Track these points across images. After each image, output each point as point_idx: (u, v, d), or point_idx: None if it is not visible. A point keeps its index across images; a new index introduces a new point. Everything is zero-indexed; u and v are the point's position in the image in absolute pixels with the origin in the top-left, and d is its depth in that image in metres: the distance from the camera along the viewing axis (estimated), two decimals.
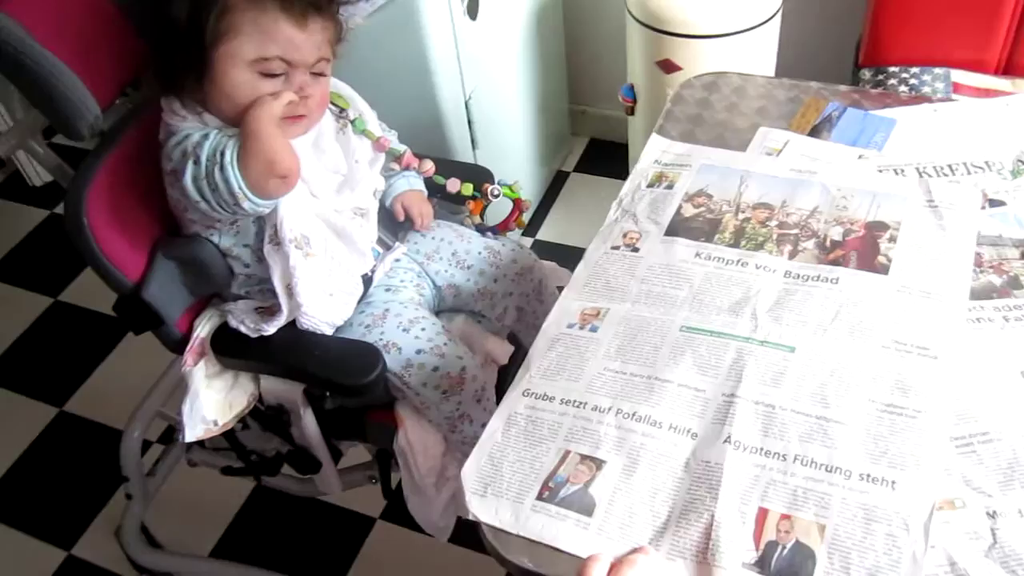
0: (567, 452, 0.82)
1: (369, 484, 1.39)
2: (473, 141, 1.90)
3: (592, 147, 2.54)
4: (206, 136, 1.04)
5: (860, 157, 1.10)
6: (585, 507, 0.78)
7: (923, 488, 0.74)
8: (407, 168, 1.28)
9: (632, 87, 1.97)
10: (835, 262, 0.96)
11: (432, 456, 1.17)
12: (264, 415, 1.24)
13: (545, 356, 0.92)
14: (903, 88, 1.63)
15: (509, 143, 2.11)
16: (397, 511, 1.72)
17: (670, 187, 1.09)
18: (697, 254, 1.00)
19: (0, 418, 2.08)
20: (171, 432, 1.75)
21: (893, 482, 0.75)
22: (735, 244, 1.00)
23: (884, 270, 0.94)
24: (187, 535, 1.78)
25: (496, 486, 0.81)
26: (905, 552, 0.70)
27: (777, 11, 1.79)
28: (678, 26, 1.75)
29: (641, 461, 0.80)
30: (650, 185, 1.11)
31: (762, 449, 0.79)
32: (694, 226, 1.03)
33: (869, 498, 0.74)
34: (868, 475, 0.76)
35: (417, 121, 1.77)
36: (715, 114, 1.22)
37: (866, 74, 1.71)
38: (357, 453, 1.42)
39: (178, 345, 1.19)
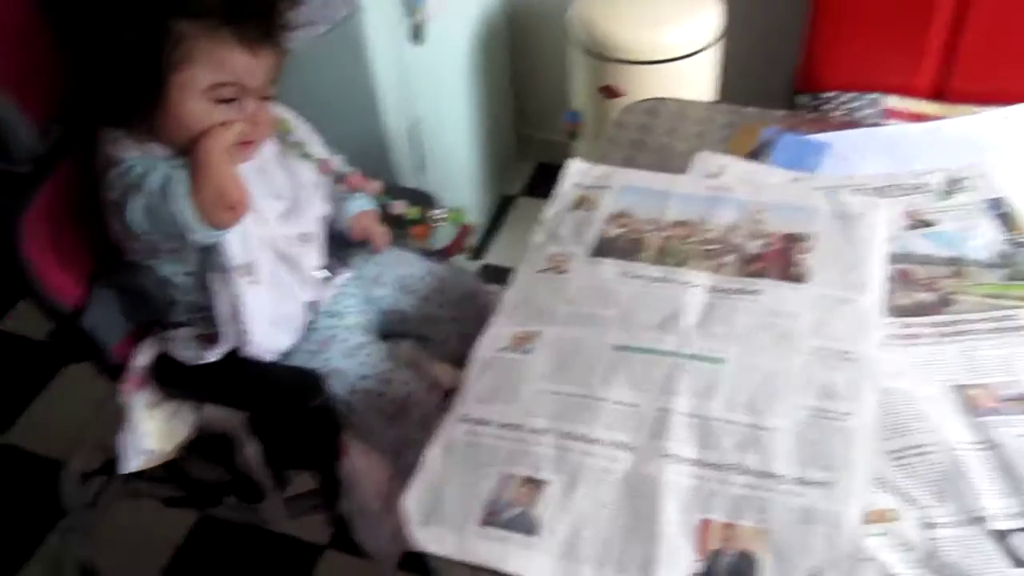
0: (508, 475, 0.83)
1: (316, 513, 1.37)
2: (419, 166, 1.91)
3: (539, 171, 2.55)
4: (152, 167, 1.03)
5: (796, 180, 1.12)
6: (529, 528, 0.78)
7: (855, 487, 0.77)
8: (354, 189, 1.28)
9: (576, 112, 1.99)
10: (756, 274, 0.99)
11: (378, 482, 1.16)
12: (206, 444, 1.22)
13: (479, 381, 0.92)
14: (838, 113, 1.68)
15: (456, 168, 2.12)
16: (345, 539, 1.70)
17: (592, 209, 1.11)
18: (623, 273, 1.01)
19: None
20: (114, 463, 1.72)
21: (827, 483, 0.77)
22: (659, 262, 1.02)
23: (802, 279, 0.97)
24: (130, 568, 1.74)
25: (439, 514, 0.81)
26: (844, 550, 0.73)
27: (717, 39, 1.83)
28: (619, 52, 1.78)
29: (582, 479, 0.81)
30: (572, 208, 1.12)
31: (699, 460, 0.81)
32: (618, 246, 1.05)
33: (805, 500, 0.76)
34: (802, 478, 0.78)
35: (363, 146, 1.77)
36: (656, 139, 1.24)
37: (803, 99, 1.76)
38: (304, 480, 1.40)
39: (117, 373, 1.17)
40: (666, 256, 1.03)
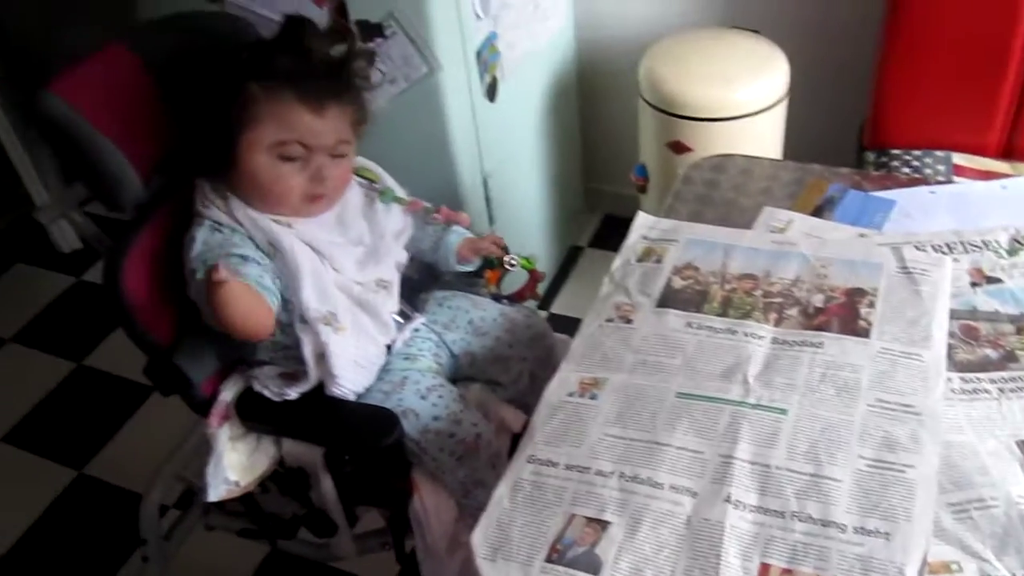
0: (572, 515, 0.85)
1: (383, 550, 1.41)
2: (490, 217, 1.96)
3: (606, 223, 2.60)
4: (203, 259, 1.12)
5: (861, 236, 1.14)
6: (592, 567, 0.81)
7: (915, 538, 0.77)
8: (447, 221, 1.34)
9: (644, 166, 2.03)
10: (819, 328, 1.00)
11: (445, 522, 1.20)
12: (284, 478, 1.27)
13: (547, 423, 0.96)
14: (906, 170, 1.69)
15: (525, 219, 2.17)
16: None
17: (659, 261, 1.14)
18: (688, 324, 1.04)
19: (19, 480, 2.12)
20: (189, 496, 1.78)
21: (887, 534, 0.78)
22: (723, 314, 1.05)
23: (865, 333, 0.99)
24: None
25: (506, 550, 0.84)
26: None
27: (784, 96, 1.86)
28: (688, 109, 1.82)
29: (644, 521, 0.83)
30: (639, 260, 1.16)
31: (760, 507, 0.83)
32: (684, 297, 1.08)
33: (865, 550, 0.77)
34: (863, 528, 0.79)
35: (437, 198, 1.81)
36: (722, 194, 1.27)
37: (870, 156, 1.77)
38: (371, 520, 1.44)
39: (204, 407, 1.23)
40: (730, 308, 1.05)
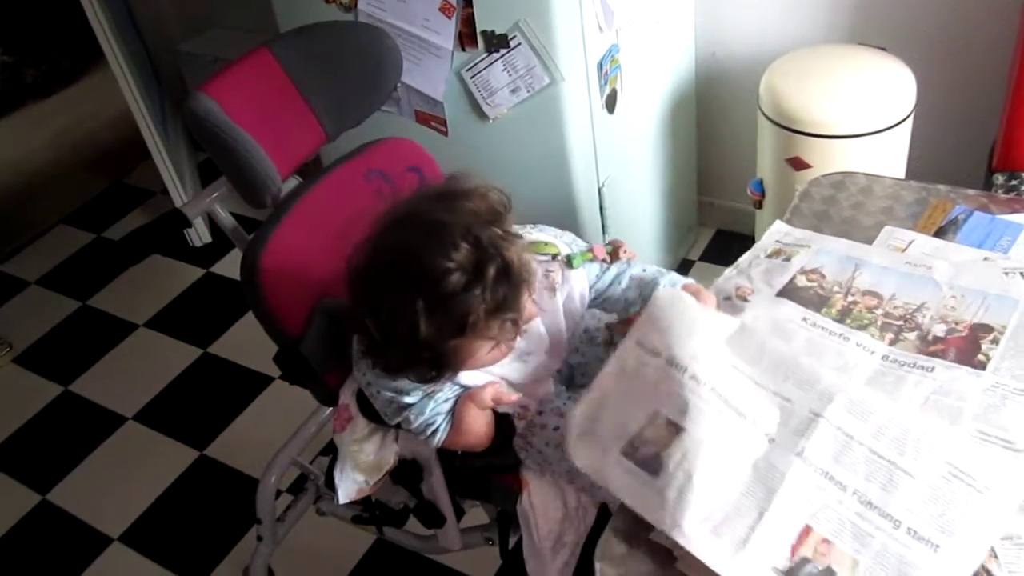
0: (656, 412, 0.89)
1: (486, 545, 1.45)
2: (604, 226, 1.99)
3: (718, 238, 2.59)
4: (421, 399, 1.14)
5: (985, 259, 1.12)
6: (654, 468, 0.84)
7: (962, 560, 0.76)
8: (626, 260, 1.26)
9: (761, 182, 2.02)
10: (933, 355, 0.99)
11: (552, 520, 1.22)
12: (397, 469, 1.32)
13: (662, 315, 0.97)
14: None
15: (638, 229, 2.19)
16: (509, 574, 1.76)
17: (787, 260, 1.15)
18: (804, 319, 1.05)
19: (147, 457, 2.25)
20: (301, 482, 1.86)
21: (937, 546, 0.77)
22: (840, 320, 1.04)
23: (981, 367, 0.96)
24: None
25: (594, 433, 0.91)
26: None
27: (909, 114, 1.82)
28: (809, 126, 1.80)
29: (717, 444, 0.85)
30: (768, 256, 1.16)
31: (827, 472, 0.83)
32: (804, 296, 1.08)
33: (909, 553, 0.77)
34: (915, 531, 0.78)
35: (553, 204, 1.87)
36: (841, 211, 1.27)
37: (999, 179, 1.72)
38: (474, 516, 1.48)
39: (327, 398, 1.29)
40: (848, 317, 1.05)
